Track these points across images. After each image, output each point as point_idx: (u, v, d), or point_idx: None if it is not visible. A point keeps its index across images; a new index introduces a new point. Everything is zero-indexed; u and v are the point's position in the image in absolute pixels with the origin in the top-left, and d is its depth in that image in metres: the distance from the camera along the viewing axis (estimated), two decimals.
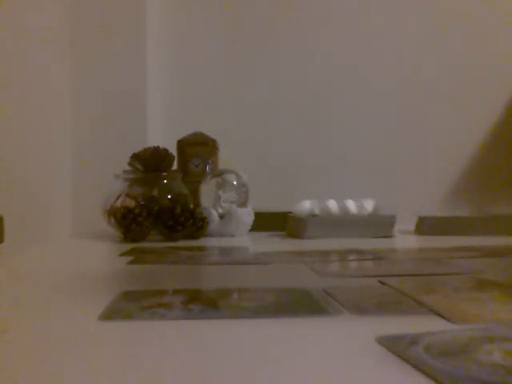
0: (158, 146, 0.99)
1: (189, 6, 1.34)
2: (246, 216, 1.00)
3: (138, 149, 0.99)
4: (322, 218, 0.96)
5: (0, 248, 0.70)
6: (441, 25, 1.35)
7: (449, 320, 0.35)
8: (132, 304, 0.41)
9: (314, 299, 0.42)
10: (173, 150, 1.05)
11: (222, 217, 0.99)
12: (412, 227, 1.04)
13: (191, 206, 0.97)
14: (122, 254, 0.73)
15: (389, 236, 0.97)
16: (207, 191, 1.03)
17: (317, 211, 0.96)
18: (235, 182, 1.03)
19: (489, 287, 0.48)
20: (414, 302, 0.41)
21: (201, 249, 0.83)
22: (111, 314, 0.38)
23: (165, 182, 0.99)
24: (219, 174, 1.05)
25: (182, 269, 0.62)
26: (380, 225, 0.98)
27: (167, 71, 1.32)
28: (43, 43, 1.01)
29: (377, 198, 1.01)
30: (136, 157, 0.98)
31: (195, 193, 1.02)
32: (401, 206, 1.03)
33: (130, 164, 0.98)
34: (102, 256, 0.80)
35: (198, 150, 1.12)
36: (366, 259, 0.69)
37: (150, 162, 0.97)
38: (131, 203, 0.93)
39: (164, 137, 1.21)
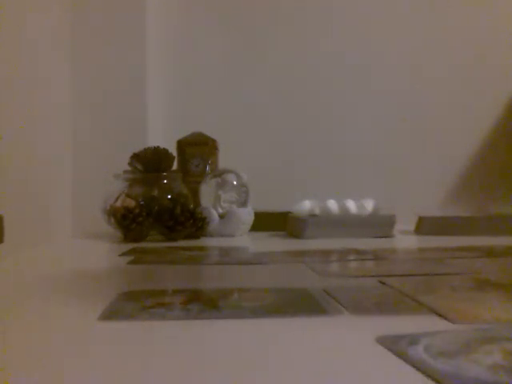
0: (158, 146, 0.99)
1: (189, 5, 1.34)
2: (246, 216, 1.00)
3: (138, 149, 0.99)
4: (322, 218, 0.96)
5: (0, 248, 0.70)
6: (441, 25, 1.35)
7: (449, 320, 0.35)
8: (132, 304, 0.41)
9: (314, 299, 0.42)
10: (173, 150, 1.05)
11: (222, 217, 0.99)
12: (412, 227, 1.04)
13: (191, 206, 0.97)
14: (122, 254, 0.73)
15: (389, 236, 0.97)
16: (207, 191, 1.03)
17: (317, 211, 0.96)
18: (235, 182, 1.03)
19: (489, 287, 0.48)
20: (413, 302, 0.41)
21: (201, 249, 0.83)
22: (111, 313, 0.38)
23: (165, 182, 0.99)
24: (219, 174, 1.05)
25: (182, 269, 0.62)
26: (380, 225, 0.98)
27: (167, 71, 1.32)
28: (43, 43, 1.01)
29: (377, 198, 1.01)
30: (136, 157, 0.98)
31: (195, 193, 1.02)
32: (401, 206, 1.03)
33: (130, 164, 0.98)
34: (102, 256, 0.80)
35: (198, 149, 1.12)
36: (365, 259, 0.69)
37: (150, 162, 0.97)
38: (131, 203, 0.93)
39: (164, 137, 1.21)
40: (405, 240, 0.97)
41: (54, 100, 1.08)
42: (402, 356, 0.27)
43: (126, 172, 0.99)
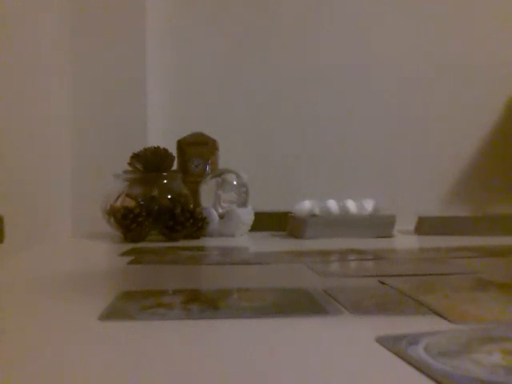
0: (158, 146, 0.99)
1: (189, 5, 1.34)
2: (246, 216, 1.00)
3: (138, 149, 0.99)
4: (322, 218, 0.96)
5: (0, 248, 0.70)
6: (441, 25, 1.35)
7: (449, 320, 0.35)
8: (132, 304, 0.41)
9: (314, 299, 0.42)
10: (173, 150, 1.05)
11: (221, 217, 0.99)
12: (412, 227, 1.04)
13: (191, 206, 0.97)
14: (122, 254, 0.73)
15: (389, 236, 0.97)
16: (207, 191, 1.03)
17: (317, 211, 0.96)
18: (235, 182, 1.03)
19: (489, 287, 0.48)
20: (414, 301, 0.41)
21: (201, 249, 0.83)
22: (111, 314, 0.38)
23: (165, 182, 0.99)
24: (219, 174, 1.05)
25: (182, 269, 0.62)
26: (380, 225, 0.98)
27: (167, 71, 1.32)
28: (43, 44, 1.01)
29: (377, 198, 1.01)
30: (136, 157, 0.98)
31: (195, 193, 1.02)
32: (401, 206, 1.03)
33: (130, 164, 0.98)
34: (102, 256, 0.80)
35: (198, 149, 1.12)
36: (365, 259, 0.69)
37: (150, 162, 0.97)
38: (131, 203, 0.93)
39: (164, 137, 1.21)
40: (405, 240, 0.97)
41: (54, 100, 1.08)
42: (402, 356, 0.27)
43: (126, 172, 0.99)
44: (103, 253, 0.83)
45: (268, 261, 0.66)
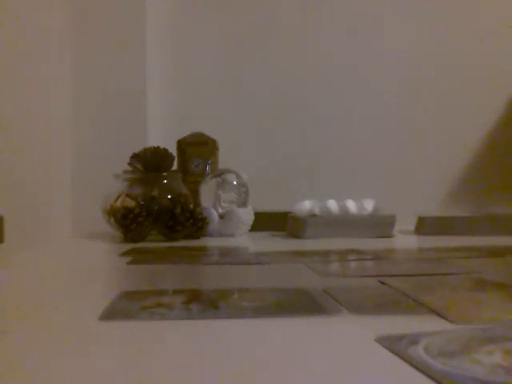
0: (158, 146, 0.99)
1: (189, 5, 1.34)
2: (246, 216, 1.00)
3: (138, 149, 0.99)
4: (322, 218, 0.96)
5: (0, 248, 0.70)
6: (441, 25, 1.35)
7: (449, 320, 0.35)
8: (132, 304, 0.41)
9: (314, 299, 0.42)
10: (173, 150, 1.05)
11: (221, 217, 0.99)
12: (412, 227, 1.04)
13: (191, 206, 0.97)
14: (122, 254, 0.73)
15: (389, 236, 0.97)
16: (207, 191, 1.03)
17: (317, 211, 0.96)
18: (235, 182, 1.03)
19: (489, 287, 0.48)
20: (413, 302, 0.41)
21: (201, 249, 0.83)
22: (111, 314, 0.38)
23: (165, 182, 0.99)
24: (219, 174, 1.05)
25: (182, 269, 0.62)
26: (380, 225, 0.98)
27: (167, 71, 1.32)
28: (43, 44, 1.01)
29: (377, 198, 1.01)
30: (136, 157, 0.98)
31: (195, 193, 1.02)
32: (401, 206, 1.03)
33: (130, 164, 0.98)
34: (102, 256, 0.80)
35: (198, 149, 1.12)
36: (365, 259, 0.69)
37: (150, 162, 0.97)
38: (131, 203, 0.93)
39: (164, 137, 1.21)
40: (405, 240, 0.97)
41: (54, 100, 1.08)
42: (402, 356, 0.27)
43: (126, 172, 0.99)
44: (103, 253, 0.83)
45: (268, 261, 0.66)
